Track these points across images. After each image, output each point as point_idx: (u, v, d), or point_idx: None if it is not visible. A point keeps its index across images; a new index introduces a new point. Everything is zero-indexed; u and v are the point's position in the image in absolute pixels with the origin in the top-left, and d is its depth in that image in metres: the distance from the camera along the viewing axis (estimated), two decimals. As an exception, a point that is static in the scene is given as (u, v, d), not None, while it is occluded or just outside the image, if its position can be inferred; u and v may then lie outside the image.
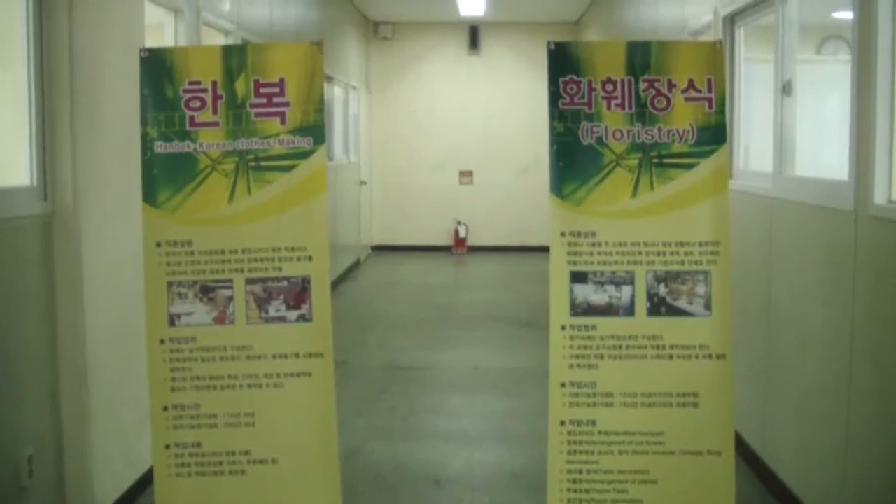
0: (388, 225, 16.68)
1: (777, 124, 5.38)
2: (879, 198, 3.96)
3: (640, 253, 3.83)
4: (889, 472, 3.87)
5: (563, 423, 3.88)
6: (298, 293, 3.81)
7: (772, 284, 5.26)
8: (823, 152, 5.99)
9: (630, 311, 3.84)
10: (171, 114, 3.78)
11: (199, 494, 3.83)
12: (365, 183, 15.34)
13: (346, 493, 3.94)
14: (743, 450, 5.44)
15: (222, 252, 3.79)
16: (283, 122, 3.81)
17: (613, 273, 3.84)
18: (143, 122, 3.79)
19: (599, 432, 3.87)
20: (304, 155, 3.81)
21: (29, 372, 4.23)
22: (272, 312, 3.81)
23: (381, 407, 7.07)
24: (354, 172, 14.48)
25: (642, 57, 3.85)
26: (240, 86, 3.81)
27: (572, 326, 3.85)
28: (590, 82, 3.83)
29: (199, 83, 3.80)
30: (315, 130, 3.82)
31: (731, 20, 6.36)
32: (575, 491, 3.89)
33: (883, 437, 3.91)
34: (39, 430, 4.32)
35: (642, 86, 3.84)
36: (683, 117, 3.84)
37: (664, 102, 3.83)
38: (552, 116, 3.85)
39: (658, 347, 3.83)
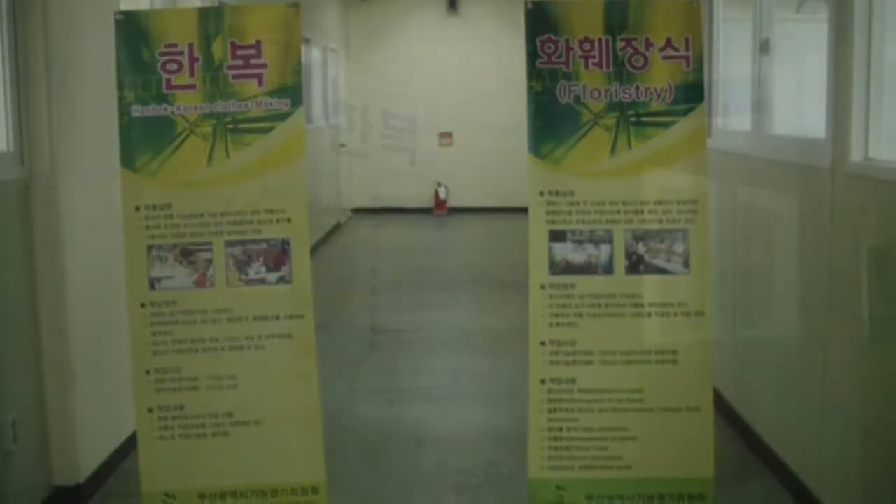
0: (368, 187, 16.62)
1: (755, 83, 5.39)
2: (856, 155, 3.98)
3: (618, 211, 3.84)
4: (864, 428, 3.92)
5: (543, 381, 3.90)
6: (278, 255, 3.81)
7: (750, 242, 5.29)
8: (803, 111, 6.00)
9: (609, 269, 3.86)
10: (147, 77, 3.76)
11: (183, 456, 3.84)
12: (345, 146, 15.28)
13: (328, 455, 3.96)
14: (722, 408, 5.48)
15: (201, 215, 3.79)
16: (260, 84, 3.78)
17: (592, 232, 3.85)
18: (120, 86, 3.77)
19: (579, 390, 3.89)
20: (282, 117, 3.79)
21: (10, 337, 4.23)
22: (252, 275, 3.81)
23: (362, 369, 7.10)
24: (334, 135, 14.41)
25: (620, 16, 3.84)
26: (217, 48, 3.78)
27: (552, 285, 3.87)
28: (567, 41, 3.83)
29: (175, 46, 3.77)
30: (293, 92, 3.80)
31: (709, -22, 6.35)
32: (555, 448, 3.92)
33: (858, 395, 3.96)
34: (23, 396, 4.33)
35: (620, 45, 3.83)
36: (661, 76, 3.84)
37: (642, 61, 3.83)
38: (530, 76, 3.84)
39: (637, 305, 3.86)
